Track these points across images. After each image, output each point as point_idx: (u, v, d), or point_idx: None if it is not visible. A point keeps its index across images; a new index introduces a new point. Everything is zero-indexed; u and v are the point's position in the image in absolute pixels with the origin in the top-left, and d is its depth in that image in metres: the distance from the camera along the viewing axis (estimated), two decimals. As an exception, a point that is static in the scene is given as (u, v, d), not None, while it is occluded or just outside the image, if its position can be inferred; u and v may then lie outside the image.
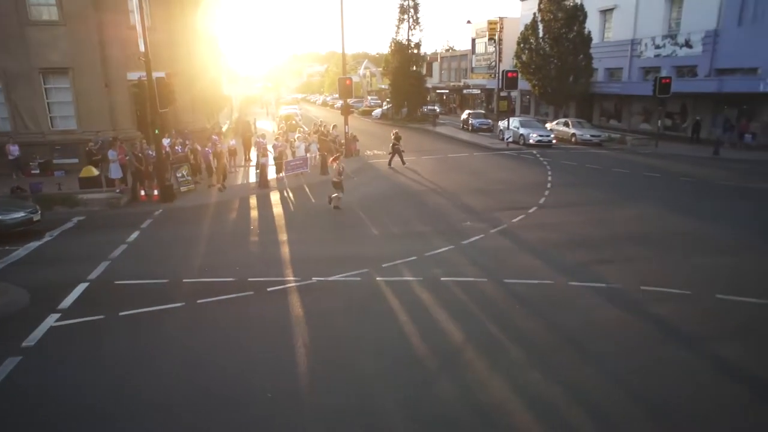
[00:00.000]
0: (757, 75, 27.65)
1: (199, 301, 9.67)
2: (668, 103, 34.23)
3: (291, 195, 19.07)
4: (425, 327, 8.64)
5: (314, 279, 10.72)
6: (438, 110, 55.83)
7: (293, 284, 10.53)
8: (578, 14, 35.42)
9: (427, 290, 10.10)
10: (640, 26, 36.99)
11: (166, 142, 19.12)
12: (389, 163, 24.05)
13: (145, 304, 9.55)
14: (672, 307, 9.24)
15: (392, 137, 23.93)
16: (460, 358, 7.71)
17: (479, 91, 58.90)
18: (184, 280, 10.72)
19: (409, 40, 46.28)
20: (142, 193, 18.07)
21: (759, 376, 7.15)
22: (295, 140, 23.34)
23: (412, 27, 46.13)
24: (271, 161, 21.22)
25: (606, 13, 40.69)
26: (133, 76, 21.62)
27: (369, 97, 68.78)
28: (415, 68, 47.04)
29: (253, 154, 23.42)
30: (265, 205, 17.64)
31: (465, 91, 62.01)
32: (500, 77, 29.64)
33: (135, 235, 14.04)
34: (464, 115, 42.54)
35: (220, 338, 8.43)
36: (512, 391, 6.86)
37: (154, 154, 17.63)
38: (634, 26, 37.53)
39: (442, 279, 10.62)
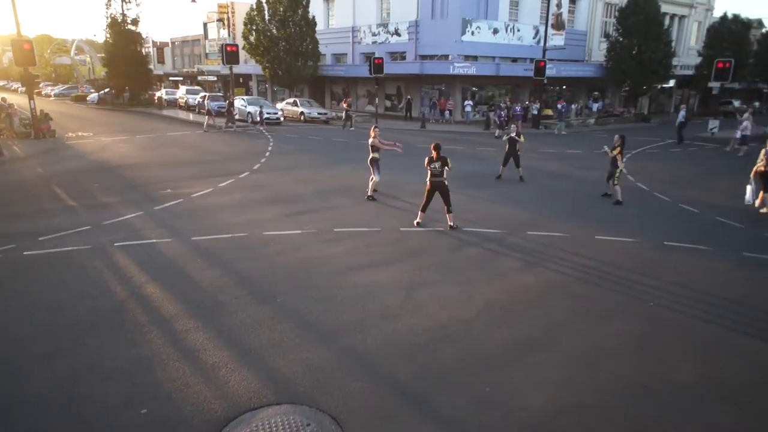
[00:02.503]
0: (449, 60, 32.07)
1: None
2: (386, 85, 37.65)
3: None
4: (70, 297, 6.99)
5: None
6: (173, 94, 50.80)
7: None
8: (301, -1, 36.03)
9: (92, 258, 8.37)
10: (359, 15, 39.69)
11: None
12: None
13: None
14: (358, 242, 9.42)
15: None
16: (110, 320, 6.33)
17: (215, 78, 56.22)
18: None
19: (124, 15, 41.11)
20: None
21: (411, 284, 7.55)
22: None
23: (127, 1, 41.09)
24: None
25: (328, 1, 42.65)
26: None
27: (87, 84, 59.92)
28: (135, 48, 42.08)
29: None
30: None
31: (200, 78, 58.49)
32: (222, 53, 28.21)
33: None
34: (198, 98, 38.90)
35: None
36: (168, 344, 5.81)
37: None
38: (353, 15, 40.10)
39: (115, 245, 8.97)
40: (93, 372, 5.28)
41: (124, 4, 41.08)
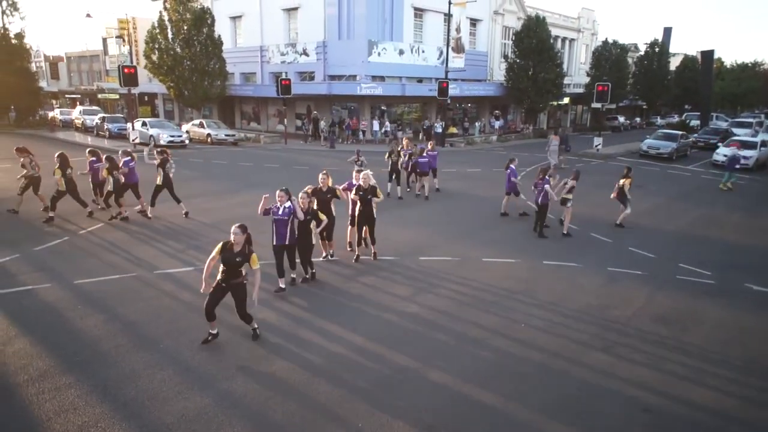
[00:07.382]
0: (356, 81, 32.71)
1: None
2: (296, 105, 37.65)
3: None
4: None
5: None
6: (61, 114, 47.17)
7: None
8: (206, 17, 35.21)
9: (-47, 311, 7.76)
10: (266, 35, 39.45)
11: None
12: None
13: None
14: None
15: None
16: (-32, 384, 5.94)
17: (118, 96, 53.49)
18: None
19: (6, 29, 38.00)
20: None
21: (292, 323, 7.72)
22: None
23: (9, 14, 38.13)
24: None
25: (235, 20, 42.07)
26: None
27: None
28: (22, 64, 39.04)
29: None
30: None
31: (100, 96, 55.45)
32: (119, 72, 26.94)
33: None
34: (96, 119, 36.26)
35: None
36: (33, 406, 5.55)
37: None
38: (261, 34, 39.80)
39: (-17, 294, 8.39)
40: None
41: (5, 17, 38.12)
